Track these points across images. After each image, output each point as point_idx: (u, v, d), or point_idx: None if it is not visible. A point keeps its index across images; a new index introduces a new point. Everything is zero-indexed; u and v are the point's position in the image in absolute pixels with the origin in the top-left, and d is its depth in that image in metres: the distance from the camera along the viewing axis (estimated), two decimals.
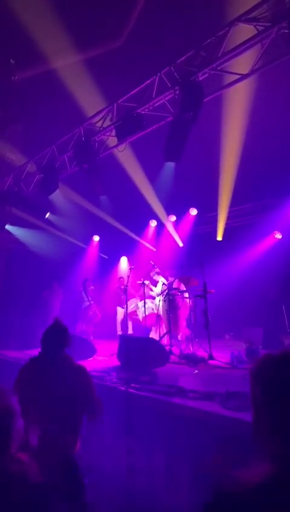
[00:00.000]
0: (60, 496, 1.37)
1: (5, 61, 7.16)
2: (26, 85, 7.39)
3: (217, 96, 4.10)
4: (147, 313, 5.54)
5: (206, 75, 3.83)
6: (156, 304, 5.71)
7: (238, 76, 3.78)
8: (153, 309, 5.81)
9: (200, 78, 3.82)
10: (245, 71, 3.72)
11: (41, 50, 6.03)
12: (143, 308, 5.55)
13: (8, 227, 7.43)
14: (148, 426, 2.55)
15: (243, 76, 3.75)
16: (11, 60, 7.32)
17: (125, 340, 4.13)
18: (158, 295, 5.68)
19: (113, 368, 3.88)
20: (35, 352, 1.89)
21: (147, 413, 2.60)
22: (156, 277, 5.91)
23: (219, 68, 3.75)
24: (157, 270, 5.94)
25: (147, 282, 5.77)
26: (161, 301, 5.48)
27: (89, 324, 7.02)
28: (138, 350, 3.78)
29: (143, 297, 5.64)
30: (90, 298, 7.08)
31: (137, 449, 2.45)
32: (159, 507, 2.05)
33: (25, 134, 7.90)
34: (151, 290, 5.89)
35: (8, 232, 7.65)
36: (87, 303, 7.07)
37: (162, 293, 5.57)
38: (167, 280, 5.78)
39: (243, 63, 3.73)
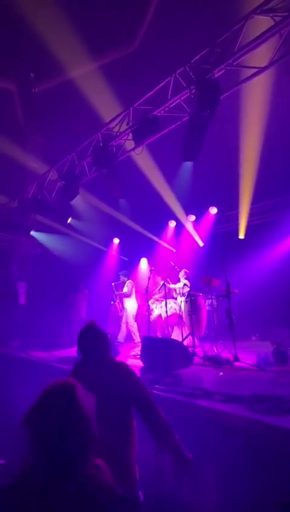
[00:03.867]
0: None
1: (25, 75, 7.52)
2: (46, 96, 7.71)
3: (234, 92, 4.02)
4: (169, 313, 5.54)
5: (222, 72, 3.78)
6: (179, 304, 5.69)
7: (256, 70, 3.68)
8: (175, 309, 5.79)
9: (216, 75, 3.77)
10: (263, 64, 3.61)
11: (58, 61, 6.26)
12: (165, 308, 5.55)
13: (33, 233, 7.77)
14: (174, 428, 2.54)
15: (261, 69, 3.65)
16: (31, 74, 7.68)
17: (148, 341, 4.14)
18: (180, 295, 5.68)
19: (137, 369, 3.91)
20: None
21: (172, 414, 2.59)
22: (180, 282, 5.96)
23: (235, 63, 3.68)
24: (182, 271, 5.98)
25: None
26: (182, 302, 5.44)
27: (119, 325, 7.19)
28: (161, 351, 3.77)
29: (165, 298, 5.64)
30: (118, 300, 7.24)
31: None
32: (187, 509, 2.04)
33: (45, 143, 8.22)
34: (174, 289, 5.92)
35: (33, 238, 8.00)
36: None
37: (183, 294, 5.54)
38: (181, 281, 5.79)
39: (261, 55, 3.62)
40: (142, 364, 4.02)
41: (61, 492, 0.84)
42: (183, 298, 5.49)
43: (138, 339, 6.07)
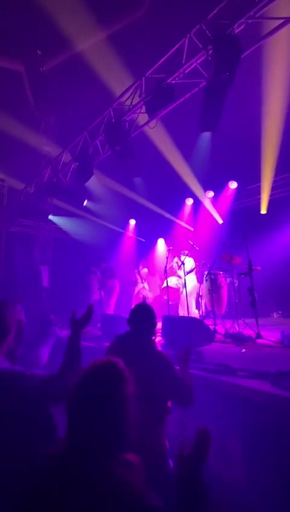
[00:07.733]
0: None
1: (32, 54, 7.26)
2: (54, 74, 7.45)
3: (255, 50, 3.63)
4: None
5: (243, 26, 3.40)
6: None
7: (282, 21, 3.27)
8: (176, 285, 5.88)
9: (236, 31, 3.40)
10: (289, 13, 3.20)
11: (65, 34, 5.95)
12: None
13: (51, 217, 7.87)
14: (198, 403, 2.57)
15: (288, 19, 3.24)
16: (38, 51, 7.39)
17: (168, 319, 4.16)
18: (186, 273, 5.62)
19: (158, 346, 3.97)
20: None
21: (196, 390, 2.62)
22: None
23: (257, 15, 3.29)
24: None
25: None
26: (205, 281, 5.36)
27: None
28: (182, 329, 3.79)
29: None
30: (143, 280, 7.27)
31: (189, 424, 2.51)
32: (213, 478, 2.11)
33: (57, 124, 8.07)
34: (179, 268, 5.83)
35: (52, 222, 8.12)
36: (141, 285, 7.27)
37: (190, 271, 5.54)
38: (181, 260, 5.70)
39: (286, 3, 3.20)
40: (163, 341, 4.08)
41: (81, 478, 0.75)
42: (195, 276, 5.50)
43: None
